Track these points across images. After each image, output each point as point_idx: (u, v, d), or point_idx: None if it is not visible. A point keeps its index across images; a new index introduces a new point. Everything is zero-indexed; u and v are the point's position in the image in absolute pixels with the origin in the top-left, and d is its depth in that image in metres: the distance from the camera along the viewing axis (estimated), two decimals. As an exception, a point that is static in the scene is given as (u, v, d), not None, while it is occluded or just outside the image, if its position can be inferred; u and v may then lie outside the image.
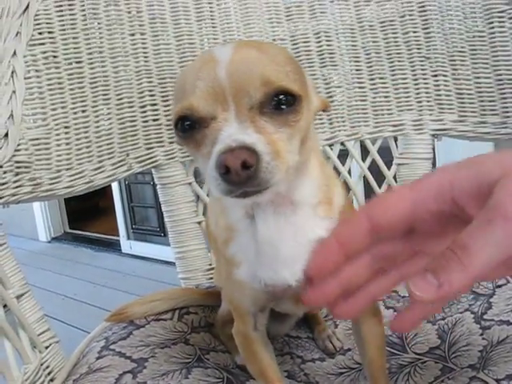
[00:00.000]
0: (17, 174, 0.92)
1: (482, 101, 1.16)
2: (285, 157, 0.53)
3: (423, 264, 0.55)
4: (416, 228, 0.53)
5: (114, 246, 4.50)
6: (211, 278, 1.14)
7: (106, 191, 4.45)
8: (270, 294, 0.69)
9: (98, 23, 1.07)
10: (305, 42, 1.19)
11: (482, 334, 0.91)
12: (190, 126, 0.56)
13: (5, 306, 0.85)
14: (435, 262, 0.45)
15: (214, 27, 1.16)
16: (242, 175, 0.49)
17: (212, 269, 1.15)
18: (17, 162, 0.92)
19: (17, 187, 0.92)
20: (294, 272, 0.65)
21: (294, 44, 1.19)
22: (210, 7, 1.16)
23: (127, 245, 4.37)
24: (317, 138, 0.67)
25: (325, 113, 1.19)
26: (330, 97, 1.20)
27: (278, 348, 0.95)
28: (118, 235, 4.44)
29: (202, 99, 0.54)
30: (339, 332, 0.99)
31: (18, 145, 0.93)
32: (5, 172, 0.90)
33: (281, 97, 0.54)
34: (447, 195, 0.49)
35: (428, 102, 1.20)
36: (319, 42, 1.20)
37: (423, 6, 1.19)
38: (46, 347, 0.90)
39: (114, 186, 4.28)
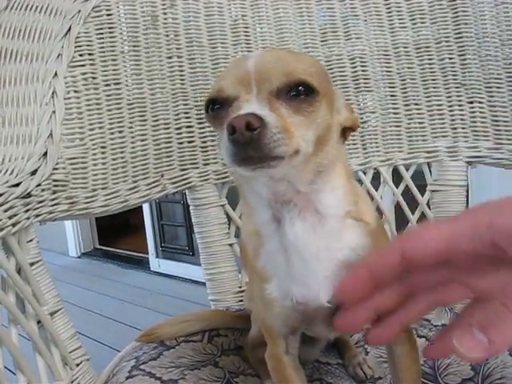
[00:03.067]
0: (54, 193, 0.94)
1: (518, 128, 1.15)
2: (294, 136, 0.57)
3: (458, 293, 0.54)
4: (451, 263, 0.51)
5: (143, 264, 4.52)
6: (241, 301, 1.14)
7: (136, 208, 4.46)
8: (301, 314, 0.69)
9: (137, 46, 1.09)
10: (340, 67, 1.20)
11: (516, 367, 0.89)
12: (218, 107, 0.63)
13: (39, 322, 0.86)
14: (483, 317, 0.42)
15: (249, 51, 1.17)
16: (246, 135, 0.54)
17: (242, 291, 1.15)
18: (54, 180, 0.94)
19: (54, 205, 0.94)
20: (326, 291, 0.65)
21: (330, 69, 1.19)
22: (246, 31, 1.17)
23: (156, 263, 4.39)
24: (344, 152, 0.68)
25: (359, 138, 1.19)
26: (364, 122, 1.20)
27: (308, 374, 0.94)
28: (147, 253, 4.47)
29: (230, 82, 0.61)
30: (370, 359, 0.97)
31: (56, 164, 0.95)
32: (43, 190, 0.92)
33: (299, 88, 0.59)
34: (486, 237, 0.46)
35: (463, 128, 1.19)
36: (354, 66, 1.20)
37: (459, 33, 1.19)
38: (77, 364, 0.90)
39: (145, 204, 4.31)
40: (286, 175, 0.61)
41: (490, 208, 0.48)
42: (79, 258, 5.10)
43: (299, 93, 0.59)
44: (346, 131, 0.68)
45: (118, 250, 5.02)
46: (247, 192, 0.67)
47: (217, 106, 0.62)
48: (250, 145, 0.54)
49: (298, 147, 0.57)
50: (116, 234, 5.19)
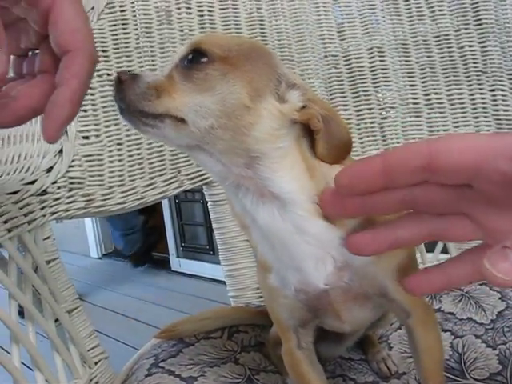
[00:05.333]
0: (70, 190, 0.93)
1: (542, 116, 1.12)
2: (175, 101, 0.57)
3: (466, 229, 0.48)
4: (475, 187, 0.45)
5: (164, 264, 4.53)
6: (261, 297, 1.12)
7: (155, 209, 4.50)
8: (305, 304, 0.67)
9: (151, 41, 1.08)
10: (357, 58, 1.18)
11: (546, 360, 0.86)
12: None
13: (56, 320, 0.85)
14: None
15: (265, 44, 1.15)
16: (115, 86, 0.58)
17: (262, 287, 1.13)
18: (70, 177, 0.93)
19: (70, 203, 0.93)
20: (320, 273, 0.63)
21: (347, 60, 1.17)
22: (261, 24, 1.15)
23: (176, 262, 4.39)
24: (304, 147, 0.63)
25: (379, 129, 1.17)
26: (384, 113, 1.17)
27: (330, 370, 0.92)
28: (168, 253, 4.47)
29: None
30: (394, 355, 0.95)
31: (72, 161, 0.94)
32: (59, 187, 0.91)
33: (196, 56, 0.59)
34: None
35: (485, 117, 1.16)
36: (372, 57, 1.18)
37: (479, 19, 1.16)
38: (96, 363, 0.90)
39: (164, 204, 4.32)
40: (202, 148, 0.59)
41: None
42: (100, 259, 5.14)
43: (194, 60, 0.59)
44: (311, 130, 0.62)
45: (138, 251, 5.03)
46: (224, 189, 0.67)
47: None
48: (119, 95, 0.58)
49: (180, 115, 0.57)
50: (137, 234, 5.20)
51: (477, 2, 1.16)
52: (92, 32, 0.58)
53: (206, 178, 1.11)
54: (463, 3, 1.17)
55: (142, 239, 4.60)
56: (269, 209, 0.62)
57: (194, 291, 3.77)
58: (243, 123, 0.58)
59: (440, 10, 1.18)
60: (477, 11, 1.16)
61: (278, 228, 0.62)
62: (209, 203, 1.15)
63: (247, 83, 0.59)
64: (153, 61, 1.07)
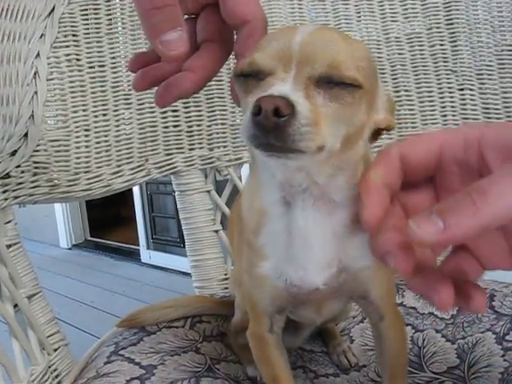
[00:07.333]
0: (34, 175, 0.92)
1: (508, 116, 1.13)
2: (322, 131, 0.51)
3: None
4: (438, 178, 0.51)
5: (134, 256, 4.51)
6: (226, 288, 1.12)
7: (127, 200, 4.47)
8: (293, 296, 0.67)
9: (123, 28, 1.07)
10: (329, 53, 1.18)
11: (503, 356, 0.87)
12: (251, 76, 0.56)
13: (15, 305, 0.84)
14: (443, 203, 0.42)
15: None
16: (271, 120, 0.48)
17: (227, 278, 1.13)
18: (35, 162, 0.92)
19: (34, 187, 0.92)
20: (324, 275, 0.64)
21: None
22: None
23: (146, 255, 4.38)
24: (369, 151, 0.63)
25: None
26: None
27: (291, 361, 0.92)
28: (138, 245, 4.45)
29: (267, 55, 0.54)
30: (355, 347, 0.96)
31: (38, 145, 0.93)
32: (22, 172, 0.90)
33: (342, 81, 0.53)
34: (475, 146, 0.48)
35: (453, 115, 1.17)
36: (344, 53, 1.18)
37: (451, 19, 1.17)
38: (55, 349, 0.89)
39: (136, 196, 4.30)
40: (304, 167, 0.57)
41: (480, 125, 0.51)
42: (70, 249, 5.09)
43: (341, 83, 0.52)
44: (379, 131, 0.62)
45: (109, 242, 5.01)
46: (261, 168, 0.63)
47: (250, 76, 0.56)
48: (274, 132, 0.49)
49: (324, 143, 0.52)
50: (107, 225, 5.17)
51: (449, 2, 1.17)
52: None
53: (174, 168, 1.11)
54: (436, 3, 1.18)
55: None
56: (318, 212, 0.61)
57: (163, 283, 3.76)
58: (354, 140, 0.57)
59: (413, 9, 1.19)
60: (449, 11, 1.17)
61: (316, 230, 0.62)
62: (176, 193, 1.15)
63: (369, 103, 0.57)
64: (125, 47, 1.06)
